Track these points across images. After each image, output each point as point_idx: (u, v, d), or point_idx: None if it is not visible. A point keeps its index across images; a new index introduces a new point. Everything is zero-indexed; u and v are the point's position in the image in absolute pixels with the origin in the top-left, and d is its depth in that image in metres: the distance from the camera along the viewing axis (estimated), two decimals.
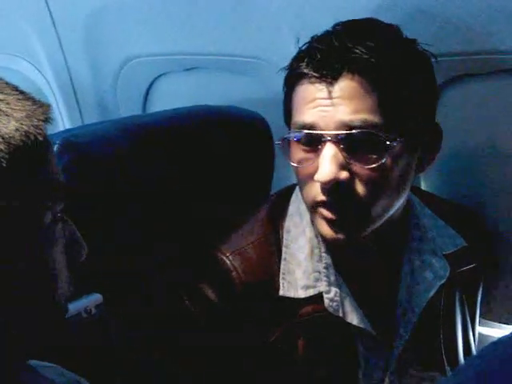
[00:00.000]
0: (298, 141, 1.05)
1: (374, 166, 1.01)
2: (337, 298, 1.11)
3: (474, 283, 1.27)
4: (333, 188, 1.01)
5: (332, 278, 1.12)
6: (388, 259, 1.16)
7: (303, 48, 1.06)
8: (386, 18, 1.07)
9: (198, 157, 1.31)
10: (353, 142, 1.00)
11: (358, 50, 0.99)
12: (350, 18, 1.07)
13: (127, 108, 1.85)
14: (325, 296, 1.11)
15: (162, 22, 1.63)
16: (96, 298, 1.10)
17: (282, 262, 1.13)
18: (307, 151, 1.04)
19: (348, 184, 1.01)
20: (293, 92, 1.06)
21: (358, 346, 1.14)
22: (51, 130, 0.73)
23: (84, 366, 0.88)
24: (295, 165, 1.06)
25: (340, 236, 1.05)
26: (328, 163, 0.99)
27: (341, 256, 1.13)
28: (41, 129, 0.65)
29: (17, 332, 0.68)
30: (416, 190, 1.26)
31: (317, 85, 1.01)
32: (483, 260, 1.26)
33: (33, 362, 0.79)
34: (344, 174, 1.00)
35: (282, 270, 1.13)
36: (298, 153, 1.05)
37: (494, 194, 1.31)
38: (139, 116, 1.62)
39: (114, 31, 1.74)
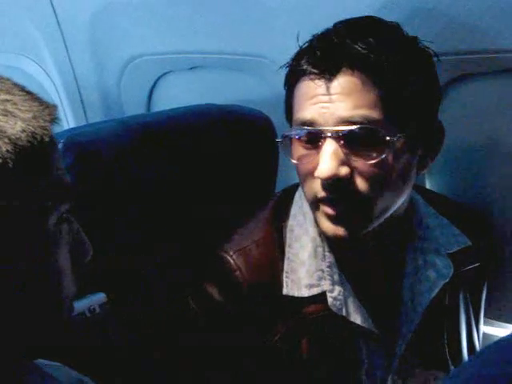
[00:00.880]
0: (299, 138, 1.05)
1: (374, 161, 1.01)
2: (340, 297, 1.11)
3: (478, 282, 1.26)
4: (333, 184, 1.01)
5: (335, 277, 1.12)
6: (391, 258, 1.16)
7: (304, 46, 1.06)
8: (391, 17, 1.07)
9: (203, 156, 1.31)
10: (353, 138, 1.00)
11: (357, 46, 0.99)
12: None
13: (131, 107, 1.85)
14: (328, 295, 1.11)
15: (166, 21, 1.63)
16: (100, 297, 1.10)
17: (286, 261, 1.13)
18: (308, 148, 1.04)
19: (348, 180, 1.01)
20: (293, 89, 1.06)
21: (360, 345, 1.14)
22: (56, 129, 0.73)
23: (85, 365, 0.88)
24: (296, 162, 1.06)
25: (341, 232, 1.05)
26: (328, 159, 0.99)
27: (344, 255, 1.13)
28: (47, 129, 0.66)
29: (19, 331, 0.68)
30: (420, 189, 1.26)
31: (316, 81, 1.01)
32: (487, 259, 1.26)
33: (39, 361, 0.80)
34: (344, 170, 1.00)
35: (285, 269, 1.13)
36: (299, 150, 1.05)
37: (497, 193, 1.31)
38: (143, 115, 1.62)
39: (118, 30, 1.74)
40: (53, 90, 1.99)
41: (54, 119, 0.68)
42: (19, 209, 0.64)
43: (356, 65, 0.99)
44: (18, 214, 0.64)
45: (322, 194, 1.03)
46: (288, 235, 1.15)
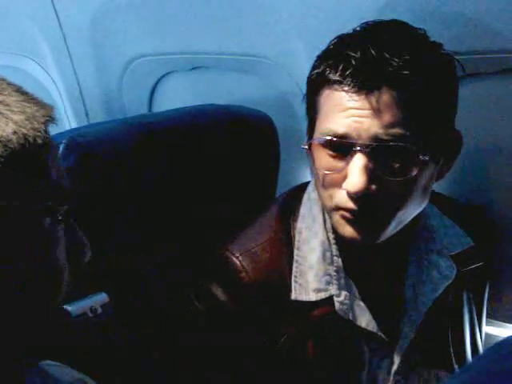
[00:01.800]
0: (324, 146, 1.04)
1: (402, 179, 1.01)
2: (346, 302, 1.11)
3: (481, 282, 1.26)
4: (360, 198, 1.01)
5: (342, 282, 1.12)
6: (393, 258, 1.16)
7: (330, 50, 1.04)
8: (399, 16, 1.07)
9: (204, 156, 1.31)
10: (384, 154, 1.00)
11: (395, 64, 0.98)
12: (360, 19, 1.06)
13: (133, 107, 1.85)
14: (335, 299, 1.11)
15: (167, 21, 1.63)
16: (102, 297, 1.10)
17: (294, 264, 1.13)
18: (334, 157, 1.03)
19: (375, 195, 1.01)
20: (319, 96, 1.05)
21: (363, 346, 1.14)
22: (57, 129, 0.72)
23: (85, 365, 0.88)
24: (322, 171, 1.05)
25: (360, 237, 1.05)
26: (359, 174, 0.99)
27: (350, 259, 1.13)
28: (40, 131, 0.65)
29: (19, 331, 0.68)
30: None
31: (351, 94, 1.00)
32: (490, 259, 1.26)
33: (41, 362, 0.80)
34: (374, 186, 1.00)
35: (293, 273, 1.12)
36: (325, 158, 1.04)
37: (500, 193, 1.31)
38: (145, 115, 1.62)
39: (119, 30, 1.74)
40: (54, 90, 1.99)
41: (50, 120, 0.67)
42: (18, 209, 0.64)
43: (395, 83, 0.98)
44: (17, 213, 0.64)
45: (346, 204, 1.03)
46: (296, 237, 1.15)
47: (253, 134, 1.39)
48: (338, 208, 1.05)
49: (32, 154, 0.64)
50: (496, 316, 1.36)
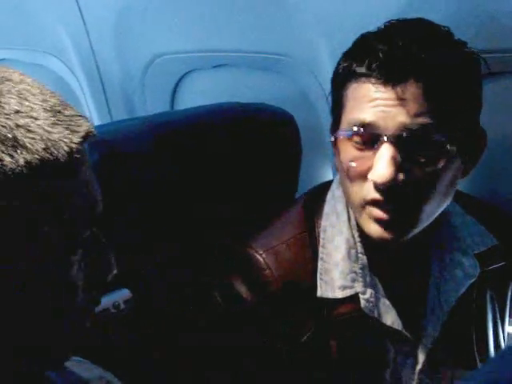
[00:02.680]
0: (350, 138, 1.04)
1: (429, 168, 1.01)
2: (372, 299, 1.11)
3: (504, 281, 1.25)
4: (388, 188, 1.00)
5: (367, 279, 1.12)
6: (418, 257, 1.16)
7: (356, 45, 1.05)
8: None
9: (226, 154, 1.31)
10: (411, 145, 1.00)
11: (421, 56, 0.99)
12: (384, 19, 1.06)
13: (155, 105, 1.86)
14: (361, 297, 1.11)
15: (190, 19, 1.63)
16: (124, 293, 1.10)
17: (319, 262, 1.13)
18: (361, 149, 1.03)
19: (403, 185, 1.01)
20: (346, 89, 1.05)
21: (387, 345, 1.13)
22: None
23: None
24: (348, 163, 1.05)
25: (388, 236, 1.04)
26: (386, 164, 0.99)
27: (375, 256, 1.13)
28: (59, 159, 0.64)
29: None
30: None
31: (378, 86, 1.00)
32: None
33: None
34: (401, 176, 1.00)
35: (319, 270, 1.12)
36: (351, 150, 1.04)
37: None
38: (167, 113, 1.63)
39: (142, 29, 1.75)
40: (78, 88, 2.00)
41: (77, 144, 0.65)
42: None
43: (422, 74, 0.99)
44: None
45: (373, 195, 1.02)
46: (321, 235, 1.14)
47: (274, 132, 1.39)
48: (365, 202, 1.04)
49: (58, 165, 0.63)
50: None
